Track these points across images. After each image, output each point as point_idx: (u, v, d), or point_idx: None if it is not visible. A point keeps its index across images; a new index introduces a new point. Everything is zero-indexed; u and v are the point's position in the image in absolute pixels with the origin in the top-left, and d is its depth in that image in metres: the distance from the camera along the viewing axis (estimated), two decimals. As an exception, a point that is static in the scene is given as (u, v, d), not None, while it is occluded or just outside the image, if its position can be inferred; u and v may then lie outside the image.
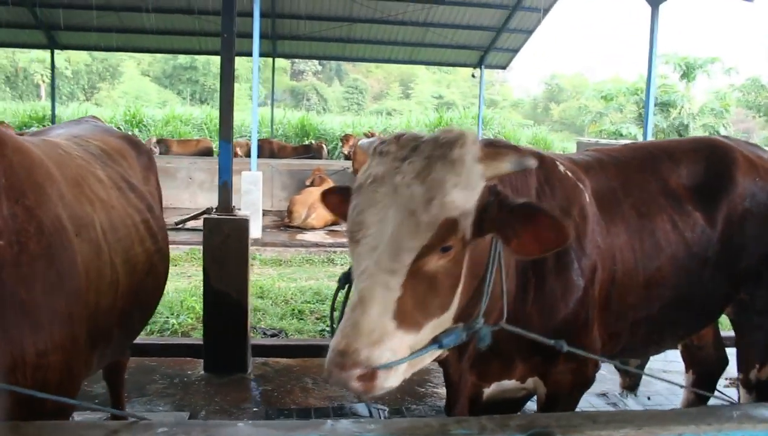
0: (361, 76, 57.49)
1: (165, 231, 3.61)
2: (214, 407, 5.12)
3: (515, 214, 2.13)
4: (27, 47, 27.69)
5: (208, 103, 44.26)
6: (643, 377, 6.10)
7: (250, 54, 13.63)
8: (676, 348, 4.42)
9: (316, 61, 53.79)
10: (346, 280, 2.46)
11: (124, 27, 18.94)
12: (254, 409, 5.16)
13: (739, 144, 3.78)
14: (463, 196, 2.05)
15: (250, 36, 13.19)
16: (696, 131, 25.62)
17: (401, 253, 1.99)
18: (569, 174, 2.97)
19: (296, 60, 49.97)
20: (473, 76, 22.27)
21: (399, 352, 1.99)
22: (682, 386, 3.48)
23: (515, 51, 20.94)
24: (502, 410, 2.98)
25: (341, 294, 2.41)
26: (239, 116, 30.72)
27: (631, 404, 5.31)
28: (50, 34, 19.52)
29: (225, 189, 5.83)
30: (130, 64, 48.02)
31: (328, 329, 5.90)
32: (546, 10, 18.13)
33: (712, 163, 3.50)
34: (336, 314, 2.32)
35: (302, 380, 5.75)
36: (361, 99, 54.51)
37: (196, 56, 41.70)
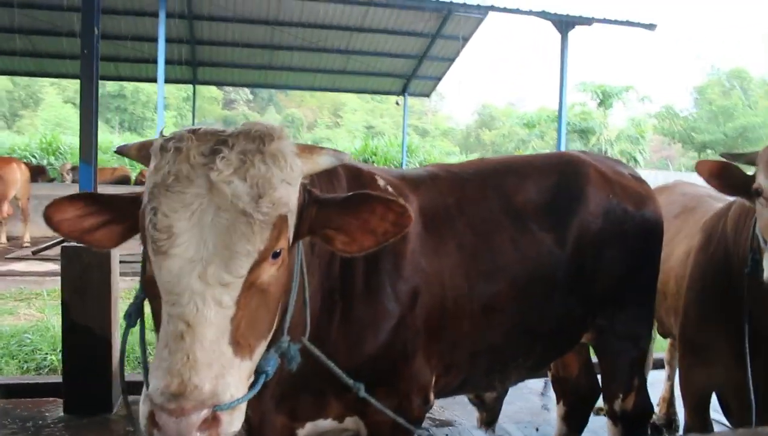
0: (295, 106, 57.22)
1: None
2: (66, 452, 4.68)
3: (344, 207, 1.91)
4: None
5: (137, 132, 43.09)
6: (539, 407, 5.93)
7: (171, 81, 13.29)
8: (532, 378, 4.21)
9: (247, 90, 53.34)
10: (138, 313, 2.09)
11: (37, 51, 18.21)
12: (109, 453, 4.74)
13: (595, 159, 3.62)
14: (288, 193, 1.78)
15: (169, 62, 12.86)
16: (614, 157, 26.39)
17: (236, 260, 1.67)
18: (389, 189, 2.71)
19: (227, 89, 49.34)
20: (397, 103, 22.30)
21: (241, 385, 1.68)
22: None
23: (438, 79, 21.06)
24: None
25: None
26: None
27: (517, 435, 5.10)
28: (-45, 59, 18.63)
29: (86, 215, 5.36)
30: (51, 91, 46.26)
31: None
32: (465, 39, 18.25)
33: (562, 179, 3.31)
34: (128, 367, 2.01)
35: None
36: (295, 131, 54.27)
37: (125, 84, 40.63)
